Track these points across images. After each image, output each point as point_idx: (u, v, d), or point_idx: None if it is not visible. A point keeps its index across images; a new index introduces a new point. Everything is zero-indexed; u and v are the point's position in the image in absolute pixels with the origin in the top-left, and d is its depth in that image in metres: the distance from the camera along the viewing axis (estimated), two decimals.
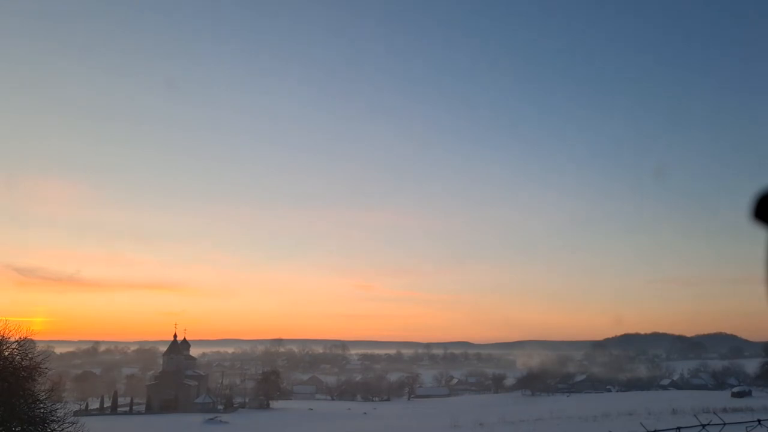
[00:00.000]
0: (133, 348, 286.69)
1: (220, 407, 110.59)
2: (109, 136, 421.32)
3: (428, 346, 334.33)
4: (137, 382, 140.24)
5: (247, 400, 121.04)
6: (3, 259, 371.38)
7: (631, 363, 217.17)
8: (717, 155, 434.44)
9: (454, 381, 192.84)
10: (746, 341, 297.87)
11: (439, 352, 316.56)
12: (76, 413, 66.83)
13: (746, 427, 8.25)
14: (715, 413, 45.99)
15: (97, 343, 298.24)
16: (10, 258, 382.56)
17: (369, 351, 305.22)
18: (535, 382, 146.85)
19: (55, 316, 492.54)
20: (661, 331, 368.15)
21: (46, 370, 32.09)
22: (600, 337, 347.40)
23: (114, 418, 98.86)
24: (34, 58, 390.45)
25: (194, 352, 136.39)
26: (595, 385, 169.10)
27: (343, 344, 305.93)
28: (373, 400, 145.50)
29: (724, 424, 7.70)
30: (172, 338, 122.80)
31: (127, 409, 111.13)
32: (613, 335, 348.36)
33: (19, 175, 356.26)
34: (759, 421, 8.49)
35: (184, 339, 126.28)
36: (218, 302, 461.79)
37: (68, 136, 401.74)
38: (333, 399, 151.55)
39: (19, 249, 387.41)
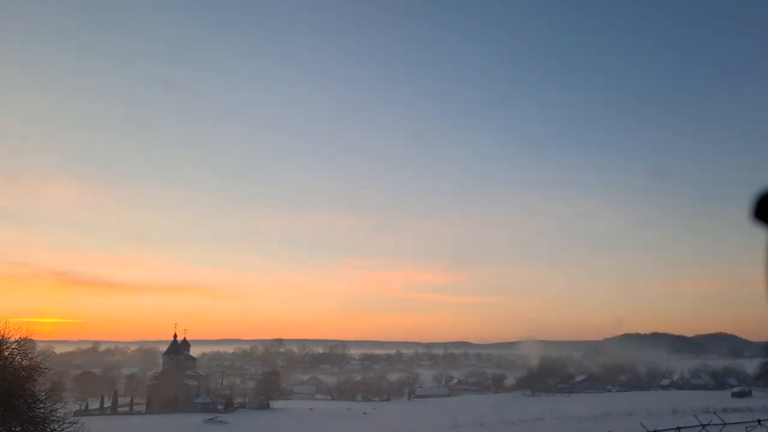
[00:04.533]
0: (133, 348, 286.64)
1: (220, 407, 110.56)
2: (129, 143, 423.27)
3: (428, 346, 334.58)
4: (137, 382, 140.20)
5: (247, 400, 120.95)
6: (40, 261, 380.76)
7: (631, 363, 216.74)
8: (717, 155, 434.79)
9: (454, 381, 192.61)
10: (746, 341, 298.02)
11: (439, 352, 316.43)
12: (76, 413, 66.96)
13: (746, 427, 8.24)
14: (715, 413, 45.94)
15: (97, 343, 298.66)
16: (46, 261, 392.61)
17: (369, 351, 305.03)
18: (535, 382, 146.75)
19: (83, 317, 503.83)
20: (661, 331, 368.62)
21: (46, 370, 32.09)
22: (600, 337, 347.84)
23: (114, 418, 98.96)
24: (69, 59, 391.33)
25: (194, 352, 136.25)
26: (595, 385, 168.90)
27: (343, 344, 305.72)
28: (373, 400, 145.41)
29: (724, 424, 7.70)
30: (172, 338, 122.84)
31: (127, 409, 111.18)
32: (613, 335, 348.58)
33: (45, 180, 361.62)
34: (759, 421, 8.49)
35: (184, 339, 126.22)
36: (218, 302, 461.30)
37: (95, 142, 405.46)
38: (333, 399, 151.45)
39: (53, 252, 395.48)
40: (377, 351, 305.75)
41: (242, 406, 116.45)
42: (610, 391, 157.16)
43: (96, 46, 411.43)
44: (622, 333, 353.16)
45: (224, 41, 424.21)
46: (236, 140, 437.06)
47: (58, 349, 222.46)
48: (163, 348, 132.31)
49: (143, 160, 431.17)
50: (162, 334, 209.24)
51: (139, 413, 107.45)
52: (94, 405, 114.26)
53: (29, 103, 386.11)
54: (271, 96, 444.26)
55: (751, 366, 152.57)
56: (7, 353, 28.29)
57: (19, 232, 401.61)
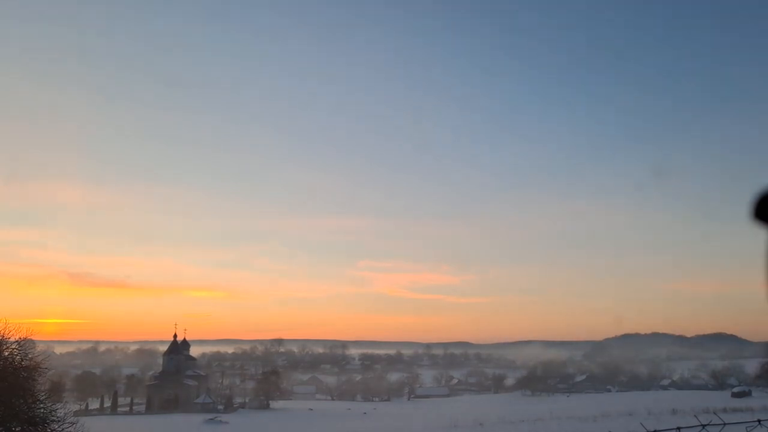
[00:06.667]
0: (133, 348, 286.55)
1: (220, 407, 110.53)
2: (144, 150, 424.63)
3: (428, 346, 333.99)
4: (137, 382, 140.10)
5: (247, 400, 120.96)
6: (49, 262, 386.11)
7: (631, 363, 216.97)
8: (717, 156, 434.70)
9: (454, 381, 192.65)
10: (746, 341, 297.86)
11: (439, 352, 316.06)
12: (76, 413, 66.81)
13: (746, 427, 8.24)
14: (715, 413, 45.92)
15: (97, 343, 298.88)
16: (64, 262, 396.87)
17: (369, 351, 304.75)
18: (535, 382, 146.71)
19: (86, 317, 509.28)
20: (661, 331, 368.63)
21: (46, 370, 32.09)
22: (600, 337, 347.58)
23: (114, 418, 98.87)
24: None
25: (194, 352, 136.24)
26: (595, 385, 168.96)
27: (343, 344, 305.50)
28: (373, 400, 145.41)
29: (724, 424, 7.69)
30: (172, 338, 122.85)
31: (127, 409, 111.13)
32: (613, 335, 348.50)
33: (47, 182, 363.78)
34: (759, 421, 8.49)
35: (184, 339, 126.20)
36: (219, 302, 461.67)
37: (100, 143, 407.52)
38: (333, 399, 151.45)
39: (62, 253, 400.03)
40: (377, 351, 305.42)
41: (242, 406, 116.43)
42: (610, 391, 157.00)
43: (100, 47, 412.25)
44: (622, 333, 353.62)
45: (230, 42, 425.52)
46: (245, 141, 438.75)
47: (59, 350, 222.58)
48: (163, 348, 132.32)
49: (146, 161, 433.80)
50: (162, 334, 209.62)
51: (139, 413, 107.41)
52: (94, 405, 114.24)
53: (41, 105, 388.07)
54: (280, 97, 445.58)
55: (751, 366, 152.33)
56: (7, 353, 28.27)
57: (27, 233, 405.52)
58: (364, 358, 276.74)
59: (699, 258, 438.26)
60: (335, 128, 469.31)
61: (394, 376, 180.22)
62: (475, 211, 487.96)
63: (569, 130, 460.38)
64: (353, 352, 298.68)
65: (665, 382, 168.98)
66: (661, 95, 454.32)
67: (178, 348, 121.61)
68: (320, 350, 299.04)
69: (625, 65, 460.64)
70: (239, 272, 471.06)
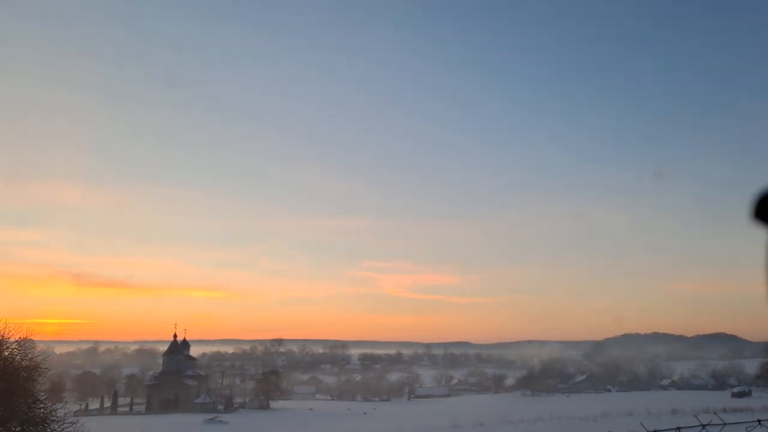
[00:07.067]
0: (133, 348, 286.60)
1: (220, 407, 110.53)
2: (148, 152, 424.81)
3: (428, 346, 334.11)
4: (137, 382, 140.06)
5: (247, 400, 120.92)
6: (57, 262, 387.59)
7: (631, 363, 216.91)
8: (717, 155, 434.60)
9: (454, 381, 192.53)
10: (746, 341, 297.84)
11: (439, 352, 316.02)
12: (76, 413, 66.75)
13: (746, 427, 8.24)
14: (715, 413, 45.94)
15: (97, 343, 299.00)
16: (64, 262, 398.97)
17: (369, 351, 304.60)
18: (535, 382, 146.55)
19: (86, 317, 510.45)
20: (661, 331, 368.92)
21: (46, 370, 32.11)
22: (600, 337, 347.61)
23: (114, 418, 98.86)
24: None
25: (194, 352, 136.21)
26: (595, 385, 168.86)
27: (343, 344, 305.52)
28: (373, 400, 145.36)
29: (724, 424, 7.69)
30: (172, 338, 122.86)
31: (127, 409, 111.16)
32: (613, 335, 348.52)
33: (48, 182, 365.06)
34: (759, 421, 8.49)
35: (184, 339, 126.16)
36: (218, 303, 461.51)
37: (101, 143, 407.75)
38: (333, 399, 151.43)
39: (72, 254, 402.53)
40: (377, 351, 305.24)
41: (242, 406, 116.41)
42: (610, 391, 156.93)
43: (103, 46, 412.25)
44: (622, 333, 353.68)
45: (231, 42, 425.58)
46: (245, 141, 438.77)
47: (59, 350, 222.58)
48: (163, 348, 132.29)
49: (146, 161, 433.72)
50: (162, 334, 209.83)
51: (139, 413, 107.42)
52: (94, 405, 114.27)
53: (41, 104, 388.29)
54: (281, 97, 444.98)
55: (751, 366, 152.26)
56: (7, 353, 28.27)
57: (27, 233, 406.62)
58: (364, 358, 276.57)
59: (699, 258, 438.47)
60: (335, 128, 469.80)
61: (394, 376, 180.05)
62: (475, 211, 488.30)
63: (569, 131, 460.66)
64: (353, 352, 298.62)
65: (665, 382, 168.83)
66: (661, 96, 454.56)
67: (178, 348, 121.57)
68: (320, 350, 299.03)
69: (625, 65, 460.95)
70: (239, 272, 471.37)
